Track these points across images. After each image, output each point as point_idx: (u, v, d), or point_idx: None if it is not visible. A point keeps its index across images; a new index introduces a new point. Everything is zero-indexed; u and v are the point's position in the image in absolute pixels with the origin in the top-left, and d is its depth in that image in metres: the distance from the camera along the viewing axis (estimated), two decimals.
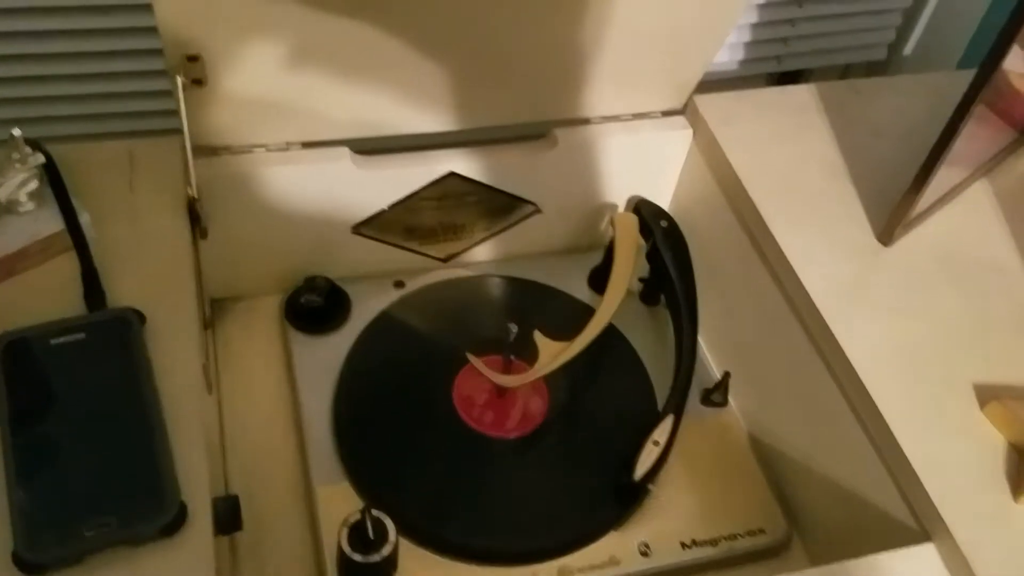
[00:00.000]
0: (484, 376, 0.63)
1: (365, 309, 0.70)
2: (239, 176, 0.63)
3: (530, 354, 0.64)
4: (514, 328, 0.61)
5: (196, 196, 0.56)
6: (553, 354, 0.64)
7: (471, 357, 0.63)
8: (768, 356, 0.67)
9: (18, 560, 0.42)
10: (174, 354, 0.51)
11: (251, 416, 0.65)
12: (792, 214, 0.64)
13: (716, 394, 0.70)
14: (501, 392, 0.66)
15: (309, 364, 0.67)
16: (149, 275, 0.53)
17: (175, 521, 0.45)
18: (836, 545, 0.61)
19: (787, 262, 0.61)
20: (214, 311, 0.71)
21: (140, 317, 0.51)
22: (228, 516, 0.51)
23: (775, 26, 0.91)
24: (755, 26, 0.90)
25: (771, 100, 0.74)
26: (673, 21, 0.63)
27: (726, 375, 0.70)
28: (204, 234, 0.63)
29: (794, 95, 0.74)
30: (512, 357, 0.64)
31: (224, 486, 0.60)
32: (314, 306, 0.69)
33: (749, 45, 0.91)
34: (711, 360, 0.74)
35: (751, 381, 0.69)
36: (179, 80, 0.54)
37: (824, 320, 0.58)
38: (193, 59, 0.54)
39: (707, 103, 0.71)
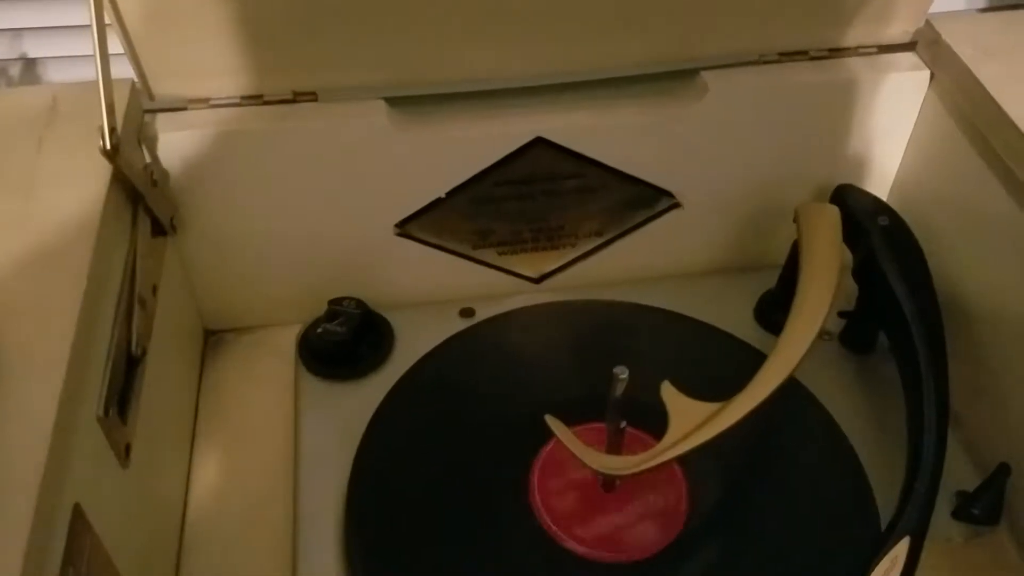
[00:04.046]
0: (578, 457, 0.38)
1: (412, 348, 0.48)
2: (222, 139, 0.42)
3: (657, 422, 0.39)
4: (623, 374, 0.35)
5: (110, 147, 0.36)
6: (694, 422, 0.37)
7: (553, 423, 0.38)
8: None
9: None
10: (22, 407, 0.29)
11: (234, 495, 0.43)
12: None
13: (981, 503, 0.42)
14: (607, 483, 0.40)
15: (323, 423, 0.45)
16: (24, 276, 0.33)
17: None
18: None
19: None
20: (207, 346, 0.50)
21: None
22: None
23: None
24: None
25: None
26: None
27: (1002, 470, 0.41)
28: (167, 226, 0.43)
29: None
30: (624, 425, 0.38)
31: None
32: (336, 340, 0.46)
33: None
34: (966, 445, 0.45)
35: None
36: None
37: None
38: None
39: (958, 28, 0.45)
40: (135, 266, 0.38)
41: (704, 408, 0.38)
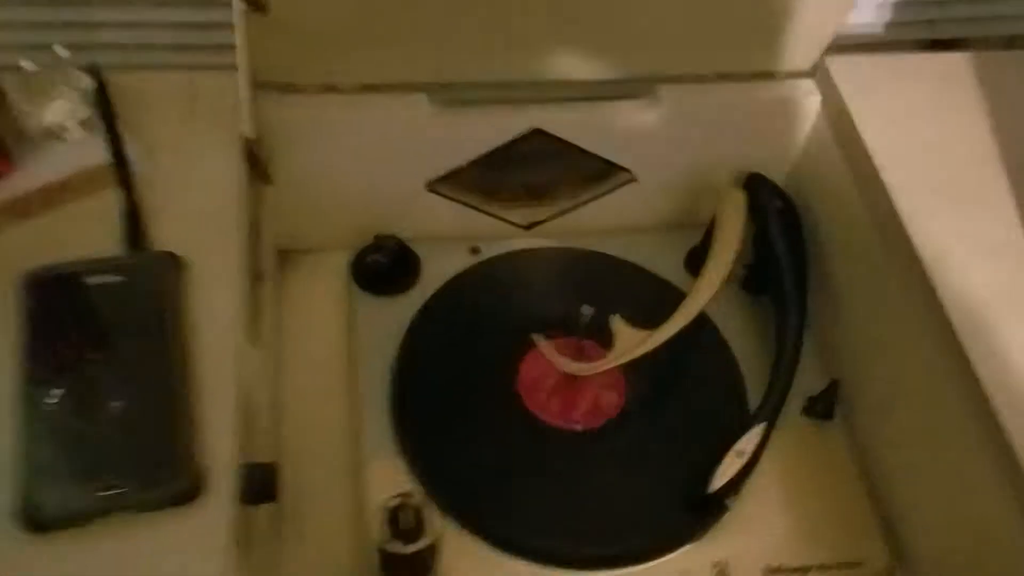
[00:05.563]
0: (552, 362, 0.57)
1: (435, 274, 0.65)
2: (306, 119, 0.58)
3: (608, 340, 0.57)
4: (588, 311, 0.54)
5: (252, 136, 0.52)
6: (632, 343, 0.56)
7: (537, 339, 0.56)
8: (887, 367, 0.58)
9: (21, 515, 0.39)
10: (213, 306, 0.46)
11: (308, 376, 0.61)
12: (933, 207, 0.54)
13: (821, 404, 0.61)
14: (571, 380, 0.59)
15: (372, 327, 0.62)
16: (195, 218, 0.49)
17: (190, 489, 0.41)
18: None
19: (920, 263, 0.52)
20: (281, 262, 0.67)
21: (180, 263, 0.47)
22: (258, 486, 0.47)
23: None
24: None
25: (919, 68, 0.63)
26: None
27: (834, 383, 0.61)
28: (267, 179, 0.59)
29: (947, 64, 0.63)
30: (585, 342, 0.57)
31: (272, 450, 0.57)
32: (380, 267, 0.64)
33: (897, 4, 0.80)
34: (818, 365, 0.64)
35: (864, 393, 0.60)
36: (236, 3, 0.49)
37: (957, 334, 0.49)
38: None
39: (842, 66, 0.61)
40: (255, 212, 0.55)
41: (639, 335, 0.57)
